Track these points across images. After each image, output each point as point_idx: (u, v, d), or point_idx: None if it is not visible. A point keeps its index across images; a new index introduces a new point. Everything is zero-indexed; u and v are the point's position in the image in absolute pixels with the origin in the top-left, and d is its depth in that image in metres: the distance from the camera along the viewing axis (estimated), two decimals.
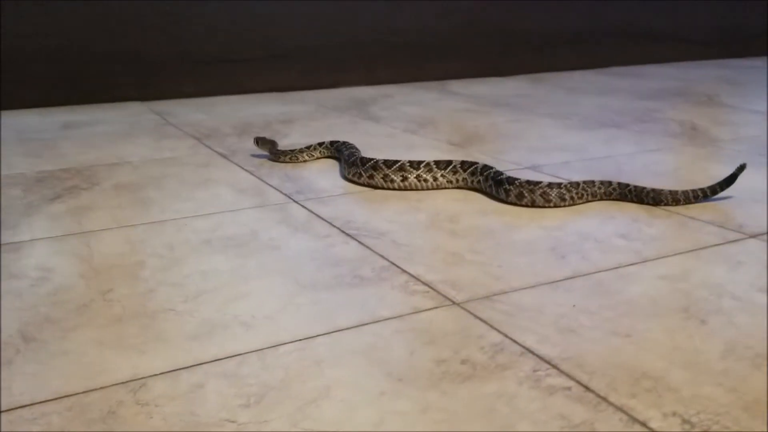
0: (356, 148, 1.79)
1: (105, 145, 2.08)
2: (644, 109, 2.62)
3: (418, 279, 1.07)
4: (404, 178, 1.55)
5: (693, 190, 1.44)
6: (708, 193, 1.44)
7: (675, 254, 1.16)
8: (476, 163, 1.56)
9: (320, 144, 1.89)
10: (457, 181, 1.56)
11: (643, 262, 1.13)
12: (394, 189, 1.55)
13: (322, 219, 1.36)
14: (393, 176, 1.55)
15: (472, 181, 1.55)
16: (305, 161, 1.84)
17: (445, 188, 1.56)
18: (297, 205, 1.46)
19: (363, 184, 1.60)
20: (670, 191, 1.43)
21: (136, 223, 1.35)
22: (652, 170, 1.71)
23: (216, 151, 1.98)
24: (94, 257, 1.18)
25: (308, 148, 1.87)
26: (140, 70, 2.96)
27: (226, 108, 2.78)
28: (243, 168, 1.78)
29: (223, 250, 1.20)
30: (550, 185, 1.42)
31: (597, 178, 1.57)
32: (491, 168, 1.52)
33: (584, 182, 1.45)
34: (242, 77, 3.14)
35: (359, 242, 1.23)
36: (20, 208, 1.46)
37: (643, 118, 2.42)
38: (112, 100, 2.91)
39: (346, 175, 1.66)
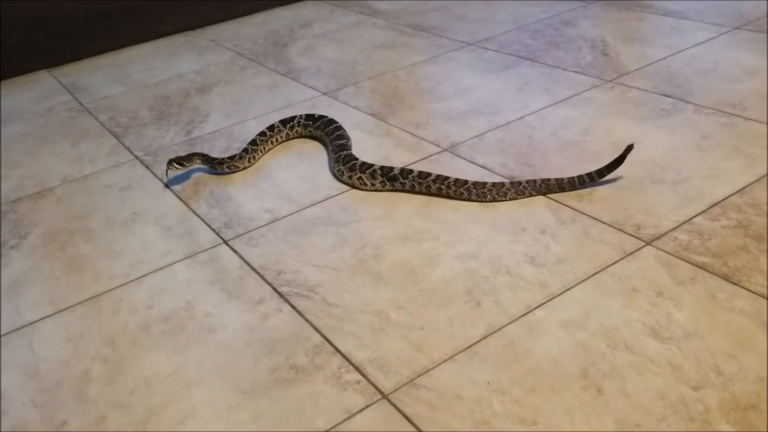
0: (343, 131, 1.84)
1: (22, 159, 2.04)
2: (559, 22, 2.60)
3: (349, 361, 1.16)
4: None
5: (579, 176, 1.52)
6: (595, 177, 1.52)
7: (577, 283, 1.26)
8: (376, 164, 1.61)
9: (285, 124, 1.91)
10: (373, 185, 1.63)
11: (549, 300, 1.23)
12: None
13: (254, 271, 1.42)
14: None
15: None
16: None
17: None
18: (227, 248, 1.50)
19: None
20: (557, 180, 1.52)
21: (73, 303, 1.40)
22: (561, 138, 1.76)
23: (137, 157, 1.97)
24: (40, 369, 1.24)
25: (264, 136, 1.86)
26: (43, 35, 2.79)
27: (138, 68, 2.67)
28: (168, 187, 1.79)
29: (162, 341, 1.26)
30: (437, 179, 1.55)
31: (512, 154, 1.63)
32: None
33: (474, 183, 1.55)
34: (151, 22, 2.98)
35: (291, 306, 1.30)
36: None
37: (556, 40, 2.42)
38: (18, 74, 2.77)
39: (339, 176, 1.69)
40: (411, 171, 1.60)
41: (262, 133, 1.87)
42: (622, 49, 2.28)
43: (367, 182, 1.63)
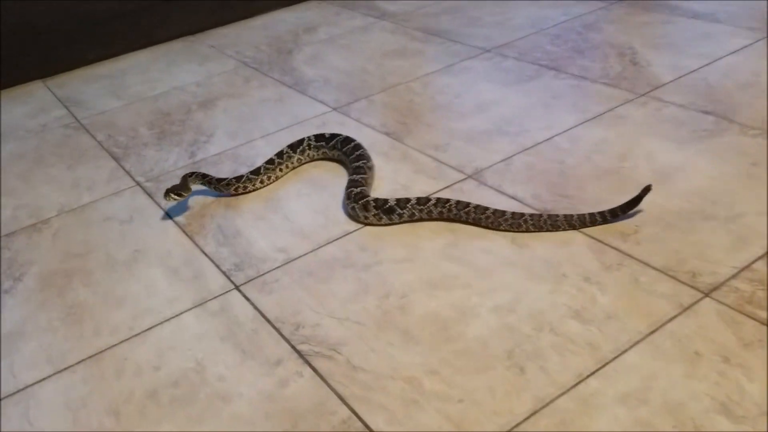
0: (363, 151, 1.72)
1: (16, 185, 1.91)
2: (581, 25, 2.46)
3: None
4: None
5: (591, 215, 1.40)
6: (608, 217, 1.40)
7: (632, 345, 1.14)
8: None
9: (294, 149, 1.77)
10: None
11: (602, 367, 1.11)
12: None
13: (269, 323, 1.29)
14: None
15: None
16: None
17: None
18: (239, 295, 1.38)
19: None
20: (566, 216, 1.40)
21: (72, 362, 1.27)
22: (597, 164, 1.63)
23: (138, 183, 1.83)
24: None
25: (272, 164, 1.73)
26: (38, 44, 2.64)
27: (136, 79, 2.53)
28: (171, 218, 1.66)
29: (171, 411, 1.14)
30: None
31: (543, 182, 1.51)
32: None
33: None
34: (148, 26, 2.84)
35: (313, 369, 1.18)
36: None
37: (580, 47, 2.29)
38: (11, 84, 2.62)
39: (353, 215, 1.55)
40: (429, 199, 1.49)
41: (270, 161, 1.74)
42: (653, 57, 2.14)
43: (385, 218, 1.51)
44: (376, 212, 1.51)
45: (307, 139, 1.80)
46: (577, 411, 1.04)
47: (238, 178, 1.69)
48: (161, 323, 1.34)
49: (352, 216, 1.55)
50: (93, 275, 1.50)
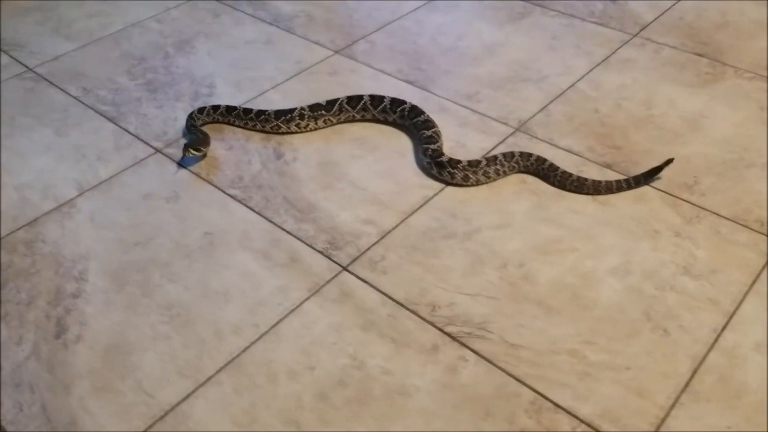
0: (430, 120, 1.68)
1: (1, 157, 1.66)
2: None
3: (579, 419, 1.12)
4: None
5: (617, 181, 1.50)
6: (632, 184, 1.51)
7: (744, 296, 1.30)
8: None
9: (353, 105, 1.71)
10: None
11: (729, 319, 1.26)
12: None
13: (403, 307, 1.30)
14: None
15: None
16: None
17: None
18: (352, 277, 1.36)
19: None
20: (593, 181, 1.50)
21: (211, 372, 1.20)
22: (629, 112, 1.74)
23: (156, 149, 1.67)
24: None
25: (318, 111, 1.70)
26: None
27: (76, 14, 2.22)
28: (224, 192, 1.55)
29: (352, 413, 1.14)
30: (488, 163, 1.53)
31: (590, 134, 1.60)
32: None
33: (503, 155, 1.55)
34: None
35: (474, 352, 1.22)
36: None
37: None
38: None
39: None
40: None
41: (316, 107, 1.69)
42: None
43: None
44: (470, 168, 1.53)
45: (366, 99, 1.72)
46: (728, 365, 1.19)
47: (280, 113, 1.68)
48: (285, 316, 1.29)
49: (435, 175, 1.55)
50: (171, 267, 1.39)
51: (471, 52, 1.99)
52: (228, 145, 1.68)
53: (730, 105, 1.76)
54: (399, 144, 1.68)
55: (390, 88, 1.84)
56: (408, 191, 1.54)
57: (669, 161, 1.52)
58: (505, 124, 1.72)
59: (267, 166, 1.62)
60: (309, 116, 1.68)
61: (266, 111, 1.68)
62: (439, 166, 1.55)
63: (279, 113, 1.67)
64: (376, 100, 1.71)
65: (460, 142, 1.67)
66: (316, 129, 1.70)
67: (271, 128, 1.68)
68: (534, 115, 1.75)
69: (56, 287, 1.35)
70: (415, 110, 1.68)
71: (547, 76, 1.88)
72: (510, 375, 1.18)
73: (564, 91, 1.83)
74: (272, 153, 1.65)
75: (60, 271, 1.38)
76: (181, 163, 1.62)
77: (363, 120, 1.73)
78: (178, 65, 1.96)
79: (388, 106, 1.70)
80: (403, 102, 1.71)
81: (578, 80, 1.87)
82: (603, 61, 1.94)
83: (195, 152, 1.60)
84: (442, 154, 1.56)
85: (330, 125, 1.72)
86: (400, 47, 2.02)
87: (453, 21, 2.14)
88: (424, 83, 1.87)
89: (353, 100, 1.71)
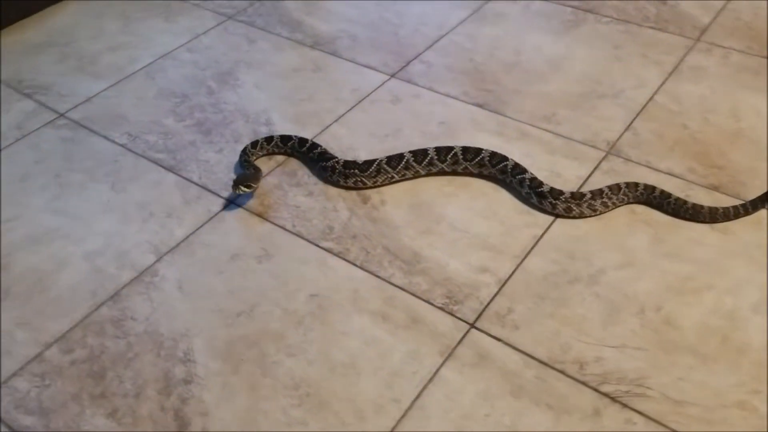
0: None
1: (56, 221, 1.50)
2: None
3: None
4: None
5: (735, 207, 1.42)
6: (750, 210, 1.43)
7: None
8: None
9: (442, 155, 1.54)
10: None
11: None
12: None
13: (548, 366, 1.20)
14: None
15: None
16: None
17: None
18: (482, 335, 1.26)
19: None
20: (710, 208, 1.42)
21: None
22: (719, 126, 1.67)
23: (230, 201, 1.54)
24: None
25: (398, 166, 1.54)
26: None
27: (97, 47, 2.05)
28: (317, 245, 1.43)
29: None
30: (593, 196, 1.45)
31: (686, 153, 1.52)
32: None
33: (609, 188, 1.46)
34: None
35: (639, 414, 1.13)
36: None
37: None
38: None
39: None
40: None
41: (399, 160, 1.54)
42: None
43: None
44: (573, 201, 1.45)
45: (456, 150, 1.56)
46: None
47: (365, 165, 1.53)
48: (425, 387, 1.19)
49: (536, 204, 1.48)
50: (286, 338, 1.27)
51: (535, 67, 1.90)
52: (306, 191, 1.56)
53: None
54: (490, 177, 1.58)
55: (460, 113, 1.74)
56: (515, 231, 1.45)
57: None
58: (594, 147, 1.64)
59: (355, 212, 1.50)
60: (393, 172, 1.54)
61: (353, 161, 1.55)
62: (539, 196, 1.46)
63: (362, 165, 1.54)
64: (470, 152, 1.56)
65: (553, 171, 1.57)
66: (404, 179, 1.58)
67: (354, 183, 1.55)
68: (621, 135, 1.66)
69: (163, 373, 1.22)
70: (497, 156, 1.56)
71: (623, 91, 1.80)
72: None
73: (644, 107, 1.75)
74: (357, 197, 1.54)
75: (162, 352, 1.25)
76: (233, 201, 1.50)
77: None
78: (227, 101, 1.82)
79: (487, 160, 1.55)
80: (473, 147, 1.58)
81: (655, 93, 1.79)
82: (674, 70, 1.86)
83: (245, 189, 1.48)
84: (541, 183, 1.47)
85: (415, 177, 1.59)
86: (459, 66, 1.91)
87: (506, 33, 2.03)
88: (495, 106, 1.77)
89: (443, 152, 1.56)
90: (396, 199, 1.53)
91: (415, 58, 1.95)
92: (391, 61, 1.95)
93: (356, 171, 1.52)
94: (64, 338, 1.28)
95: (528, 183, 1.48)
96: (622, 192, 1.47)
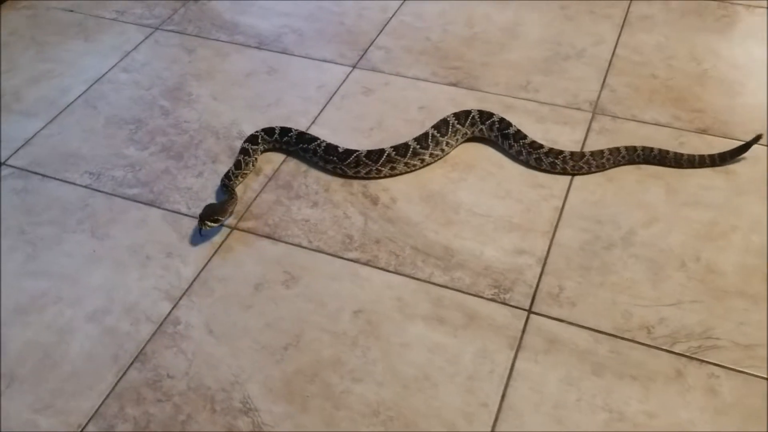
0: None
1: (60, 272, 1.33)
2: None
3: None
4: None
5: (711, 156, 1.47)
6: (717, 161, 1.48)
7: None
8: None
9: (461, 121, 1.54)
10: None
11: None
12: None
13: (619, 338, 1.20)
14: None
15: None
16: None
17: None
18: (548, 320, 1.23)
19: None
20: (688, 156, 1.47)
21: None
22: (684, 71, 1.72)
23: (236, 227, 1.42)
24: None
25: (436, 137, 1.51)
26: None
27: (19, 79, 1.82)
28: (342, 258, 1.35)
29: None
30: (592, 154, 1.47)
31: (667, 102, 1.56)
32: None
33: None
34: None
35: (722, 367, 1.15)
36: None
37: None
38: None
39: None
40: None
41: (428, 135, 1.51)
42: None
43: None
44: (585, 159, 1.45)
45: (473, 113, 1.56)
46: None
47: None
48: (507, 385, 1.15)
49: (534, 166, 1.48)
50: (345, 363, 1.19)
51: (492, 37, 1.87)
52: (310, 202, 1.46)
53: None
54: (488, 155, 1.55)
55: (437, 95, 1.69)
56: (535, 206, 1.43)
57: (758, 137, 1.47)
58: (579, 109, 1.64)
59: (369, 215, 1.43)
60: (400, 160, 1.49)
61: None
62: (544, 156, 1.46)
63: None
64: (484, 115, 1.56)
65: (549, 139, 1.56)
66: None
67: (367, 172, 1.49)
68: (600, 94, 1.68)
69: (227, 429, 1.11)
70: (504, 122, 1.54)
71: (584, 49, 1.82)
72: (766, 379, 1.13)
73: (610, 62, 1.77)
74: (364, 199, 1.46)
75: (216, 407, 1.14)
76: (203, 235, 1.38)
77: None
78: (187, 119, 1.68)
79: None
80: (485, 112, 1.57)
81: (615, 47, 1.81)
82: (624, 23, 1.90)
83: (211, 224, 1.36)
84: (541, 145, 1.47)
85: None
86: (417, 47, 1.86)
87: (451, 7, 1.99)
88: (469, 82, 1.73)
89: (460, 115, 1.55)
90: (405, 194, 1.47)
91: (371, 44, 1.88)
92: (347, 51, 1.86)
93: (398, 157, 1.47)
94: (98, 415, 1.14)
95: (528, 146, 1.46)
96: (620, 155, 1.48)
